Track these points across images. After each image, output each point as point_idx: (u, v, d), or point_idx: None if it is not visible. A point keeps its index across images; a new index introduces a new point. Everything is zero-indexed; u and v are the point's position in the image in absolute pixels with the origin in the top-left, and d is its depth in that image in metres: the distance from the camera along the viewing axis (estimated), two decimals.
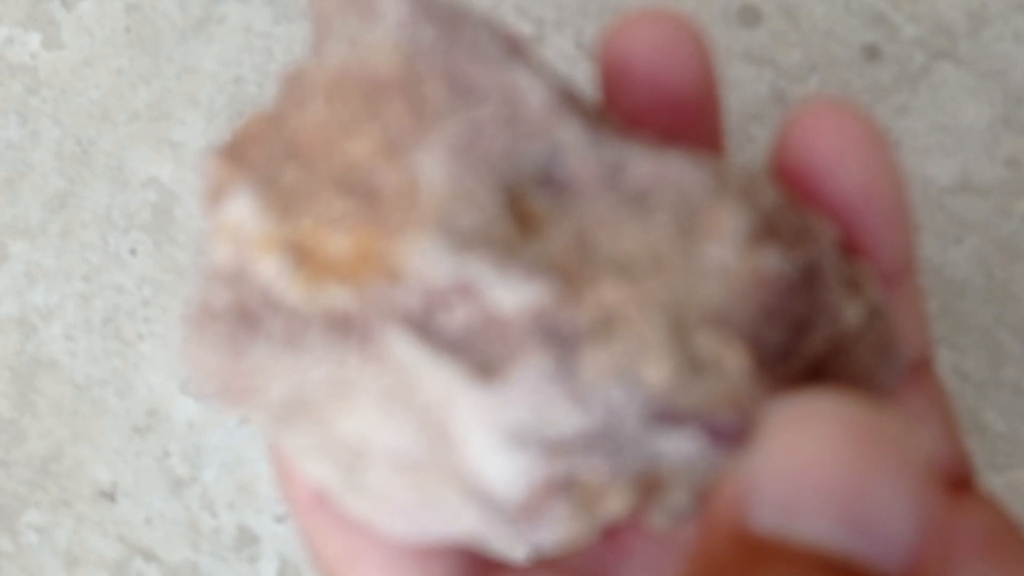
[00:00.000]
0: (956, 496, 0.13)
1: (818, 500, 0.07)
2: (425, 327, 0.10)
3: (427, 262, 0.10)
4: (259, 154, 0.11)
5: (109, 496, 0.32)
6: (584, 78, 0.29)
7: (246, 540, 0.31)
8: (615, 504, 0.10)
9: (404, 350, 0.10)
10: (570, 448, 0.10)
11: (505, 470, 0.09)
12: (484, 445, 0.09)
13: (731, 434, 0.10)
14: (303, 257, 0.10)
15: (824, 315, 0.11)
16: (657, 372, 0.09)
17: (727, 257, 0.10)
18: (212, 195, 0.12)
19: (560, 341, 0.10)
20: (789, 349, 0.10)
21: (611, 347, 0.10)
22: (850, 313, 0.11)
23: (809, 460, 0.07)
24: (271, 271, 0.10)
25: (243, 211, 0.10)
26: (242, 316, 0.11)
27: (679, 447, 0.10)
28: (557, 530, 0.10)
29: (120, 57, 0.33)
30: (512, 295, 0.10)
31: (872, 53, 0.26)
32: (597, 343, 0.10)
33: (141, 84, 0.33)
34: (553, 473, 0.10)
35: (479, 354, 0.10)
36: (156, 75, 0.32)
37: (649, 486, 0.10)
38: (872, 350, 0.11)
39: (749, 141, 0.27)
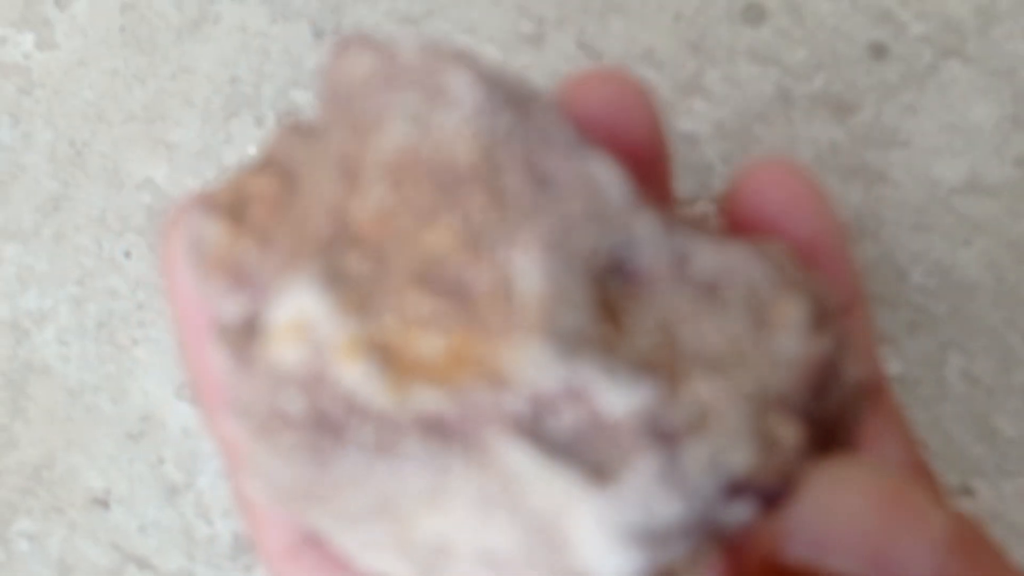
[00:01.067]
0: None
1: (848, 542, 0.08)
2: (535, 432, 0.10)
3: (537, 368, 0.10)
4: (286, 231, 0.11)
5: (102, 503, 0.32)
6: None
7: (241, 548, 0.31)
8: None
9: (515, 456, 0.10)
10: (674, 537, 0.10)
11: (621, 568, 0.10)
12: (600, 546, 0.10)
13: (775, 498, 0.10)
14: (391, 359, 0.10)
15: (835, 380, 0.11)
16: (743, 458, 0.10)
17: (794, 346, 0.11)
18: (211, 263, 0.11)
19: (665, 439, 0.10)
20: (816, 415, 0.11)
21: (708, 440, 0.10)
22: (851, 373, 0.11)
23: (845, 512, 0.09)
24: (357, 375, 0.10)
25: (313, 307, 0.10)
26: (323, 424, 0.10)
27: (738, 513, 0.10)
28: None
29: (114, 57, 0.33)
30: (622, 398, 0.10)
31: (879, 51, 0.26)
32: (696, 438, 0.10)
33: (136, 84, 0.33)
34: (659, 562, 0.10)
35: (591, 457, 0.10)
36: (151, 75, 0.32)
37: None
38: (852, 394, 0.11)
39: (754, 141, 0.27)
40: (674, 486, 0.10)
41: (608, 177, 0.11)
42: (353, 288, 0.10)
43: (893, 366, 0.26)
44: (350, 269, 0.10)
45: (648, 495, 0.10)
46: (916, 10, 0.26)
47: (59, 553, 0.32)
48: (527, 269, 0.10)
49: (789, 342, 0.11)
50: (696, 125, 0.28)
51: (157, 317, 0.32)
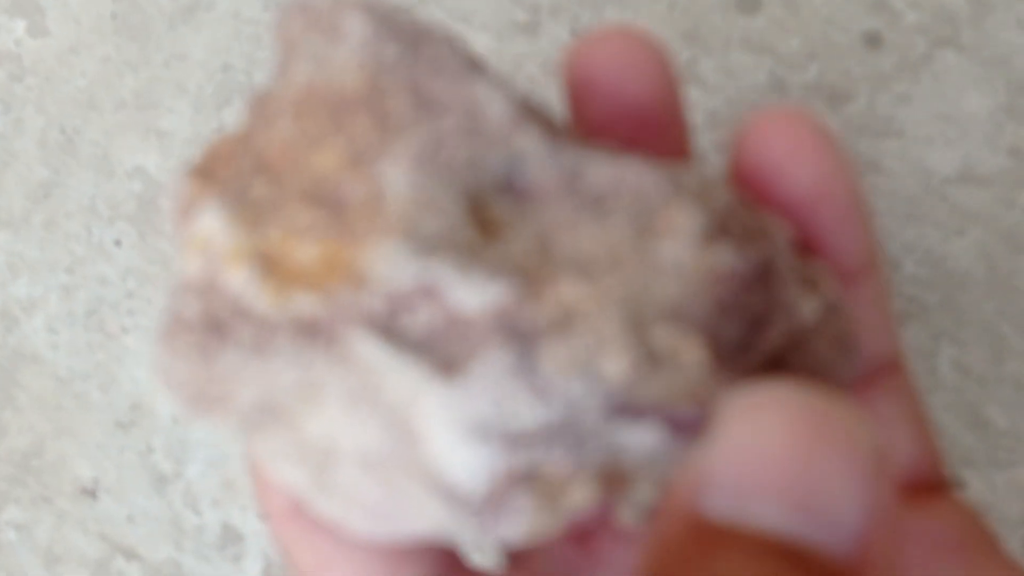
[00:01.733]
0: (928, 498, 0.13)
1: (769, 487, 0.07)
2: (389, 329, 0.10)
3: (391, 266, 0.10)
4: (228, 172, 0.12)
5: (91, 493, 0.32)
6: None
7: (230, 538, 0.31)
8: (579, 496, 0.10)
9: (369, 351, 0.10)
10: (532, 441, 0.10)
11: (468, 463, 0.10)
12: (447, 440, 0.10)
13: (691, 426, 0.10)
14: (271, 267, 0.11)
15: (780, 311, 0.11)
16: (616, 366, 0.10)
17: (682, 255, 0.11)
18: (182, 212, 0.12)
19: (520, 338, 0.10)
20: (746, 344, 0.11)
21: (570, 342, 0.10)
22: (806, 309, 0.11)
23: (761, 448, 0.08)
24: (240, 281, 0.11)
25: (212, 224, 0.11)
26: (212, 325, 0.11)
27: (640, 439, 0.10)
28: (521, 522, 0.10)
29: (106, 44, 0.33)
30: (474, 295, 0.10)
31: (873, 40, 0.26)
32: (556, 338, 0.10)
33: (128, 72, 0.33)
34: (515, 465, 0.10)
35: (442, 352, 0.10)
36: (143, 63, 0.32)
37: (614, 479, 0.10)
38: (829, 345, 0.11)
39: None
40: (530, 385, 0.10)
41: (490, 97, 0.12)
42: (250, 208, 0.11)
43: None
44: (252, 193, 0.11)
45: (499, 391, 0.10)
46: (910, 0, 0.26)
47: (47, 543, 0.32)
48: (394, 179, 0.11)
49: (675, 250, 0.11)
50: (690, 114, 0.28)
51: (147, 305, 0.32)
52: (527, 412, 0.10)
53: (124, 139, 0.33)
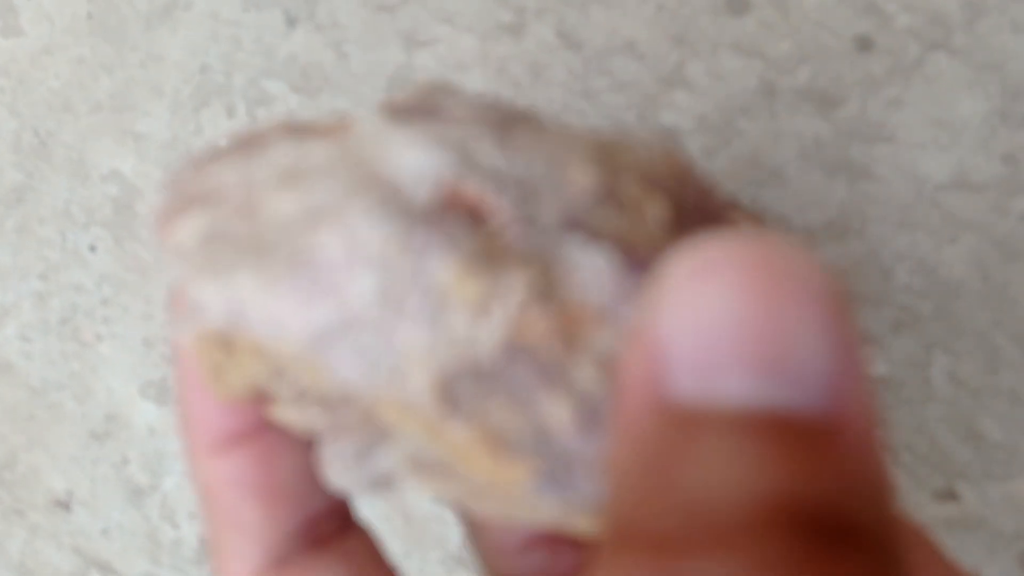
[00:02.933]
0: None
1: (733, 355, 0.07)
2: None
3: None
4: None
5: (64, 505, 0.32)
6: (564, 67, 0.28)
7: (208, 553, 0.30)
8: (514, 271, 0.10)
9: (367, 126, 0.11)
10: (484, 177, 0.10)
11: (418, 161, 0.10)
12: (405, 142, 0.10)
13: (644, 267, 0.09)
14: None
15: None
16: (580, 175, 0.10)
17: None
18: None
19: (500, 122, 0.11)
20: (701, 211, 0.11)
21: (543, 137, 0.11)
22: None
23: (718, 313, 0.07)
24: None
25: None
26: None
27: (592, 262, 0.10)
28: (449, 258, 0.10)
29: (81, 45, 0.33)
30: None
31: (864, 44, 0.26)
32: (531, 130, 0.11)
33: (103, 73, 0.32)
34: (461, 186, 0.10)
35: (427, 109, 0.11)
36: (119, 64, 0.32)
37: (568, 321, 0.10)
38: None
39: (737, 135, 0.27)
40: (498, 140, 0.10)
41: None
42: None
43: (878, 367, 0.25)
44: None
45: (469, 132, 0.11)
46: (902, 2, 0.26)
47: (19, 556, 0.31)
48: None
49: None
50: (678, 118, 0.27)
51: (123, 313, 0.31)
52: (487, 157, 0.10)
53: (99, 142, 0.32)
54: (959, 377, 0.24)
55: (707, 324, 0.07)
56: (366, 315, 0.10)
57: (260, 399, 0.12)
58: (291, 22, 0.31)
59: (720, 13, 0.27)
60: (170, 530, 0.31)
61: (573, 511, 0.10)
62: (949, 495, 0.24)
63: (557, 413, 0.09)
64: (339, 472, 0.11)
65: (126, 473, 0.31)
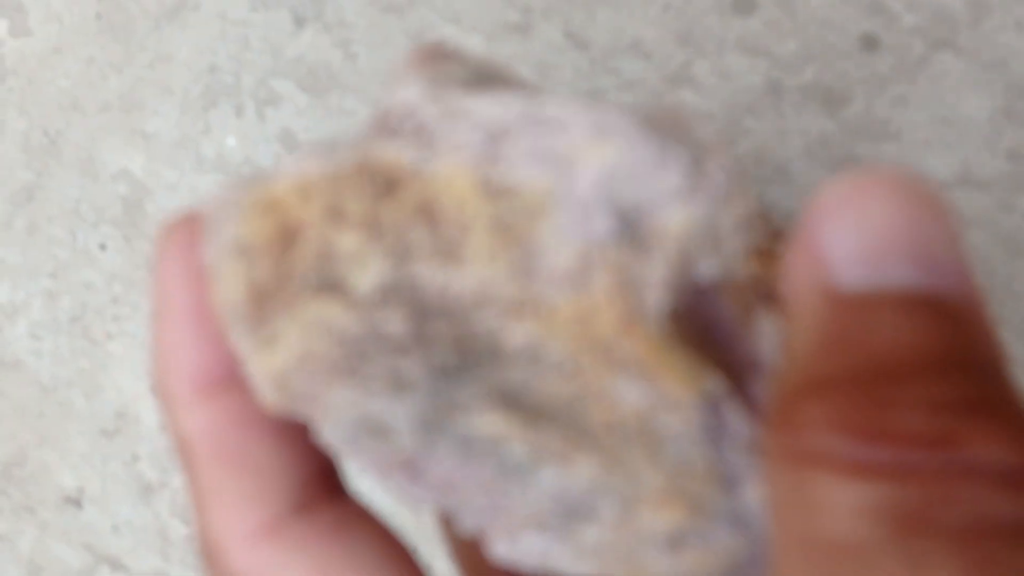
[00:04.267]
0: None
1: (897, 251, 0.09)
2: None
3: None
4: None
5: (75, 502, 0.32)
6: (571, 67, 0.29)
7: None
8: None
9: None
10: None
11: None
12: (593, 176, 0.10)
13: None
14: None
15: None
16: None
17: None
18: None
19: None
20: None
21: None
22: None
23: (879, 220, 0.09)
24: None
25: None
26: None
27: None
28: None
29: (90, 45, 0.33)
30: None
31: (870, 42, 0.26)
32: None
33: (112, 73, 0.32)
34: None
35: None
36: (128, 63, 0.32)
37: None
38: None
39: (743, 134, 0.27)
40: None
41: None
42: None
43: None
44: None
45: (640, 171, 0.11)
46: (907, 1, 0.26)
47: (29, 553, 0.32)
48: None
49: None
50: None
51: (132, 311, 0.32)
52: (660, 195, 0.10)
53: (108, 141, 0.33)
54: None
55: (869, 230, 0.09)
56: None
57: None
58: (299, 22, 0.31)
59: (726, 13, 0.27)
60: (180, 526, 0.31)
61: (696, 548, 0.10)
62: None
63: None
64: (384, 400, 0.10)
65: (136, 470, 0.32)
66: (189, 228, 0.12)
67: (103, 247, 0.33)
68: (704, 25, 0.28)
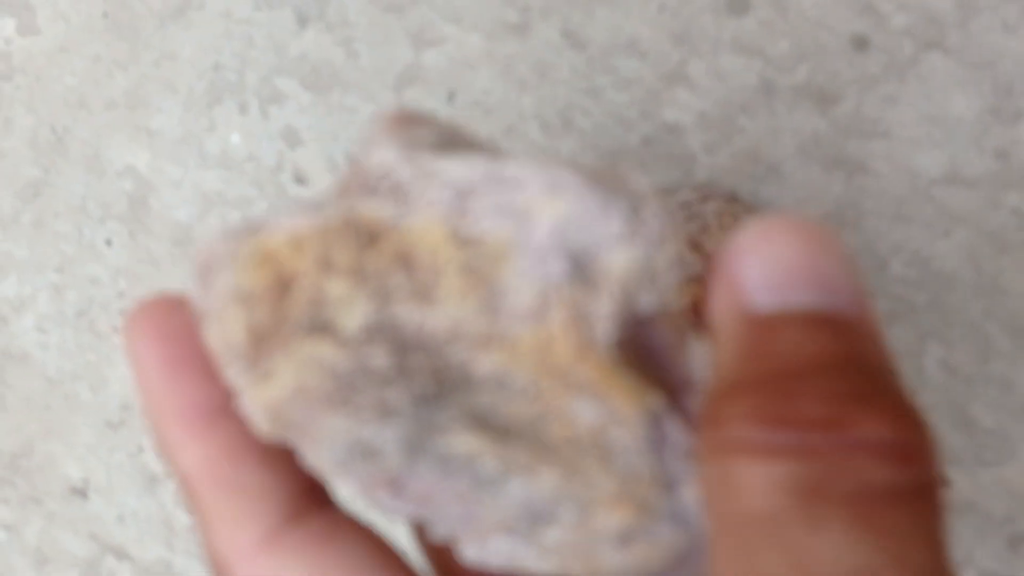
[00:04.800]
0: None
1: (799, 279, 0.11)
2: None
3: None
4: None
5: (81, 493, 0.32)
6: (569, 66, 0.29)
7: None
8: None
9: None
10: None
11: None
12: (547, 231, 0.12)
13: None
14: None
15: None
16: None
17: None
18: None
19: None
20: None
21: None
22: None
23: (784, 255, 0.11)
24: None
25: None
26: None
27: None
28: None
29: (97, 43, 0.34)
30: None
31: (861, 43, 0.27)
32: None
33: (118, 71, 0.33)
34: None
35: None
36: (133, 62, 0.33)
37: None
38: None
39: (737, 132, 0.28)
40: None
41: None
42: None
43: None
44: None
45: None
46: (898, 2, 0.27)
47: (36, 543, 0.32)
48: None
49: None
50: (680, 115, 0.28)
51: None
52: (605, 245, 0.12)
53: (114, 138, 0.33)
54: (951, 366, 0.25)
55: (776, 262, 0.11)
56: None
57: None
58: (302, 21, 0.32)
59: (721, 13, 0.28)
60: (184, 517, 0.32)
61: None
62: (941, 480, 0.25)
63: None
64: (370, 423, 0.12)
65: (141, 461, 0.32)
66: (153, 311, 0.13)
67: (109, 242, 0.33)
68: (699, 25, 0.28)
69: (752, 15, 0.28)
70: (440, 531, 0.13)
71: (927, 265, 0.26)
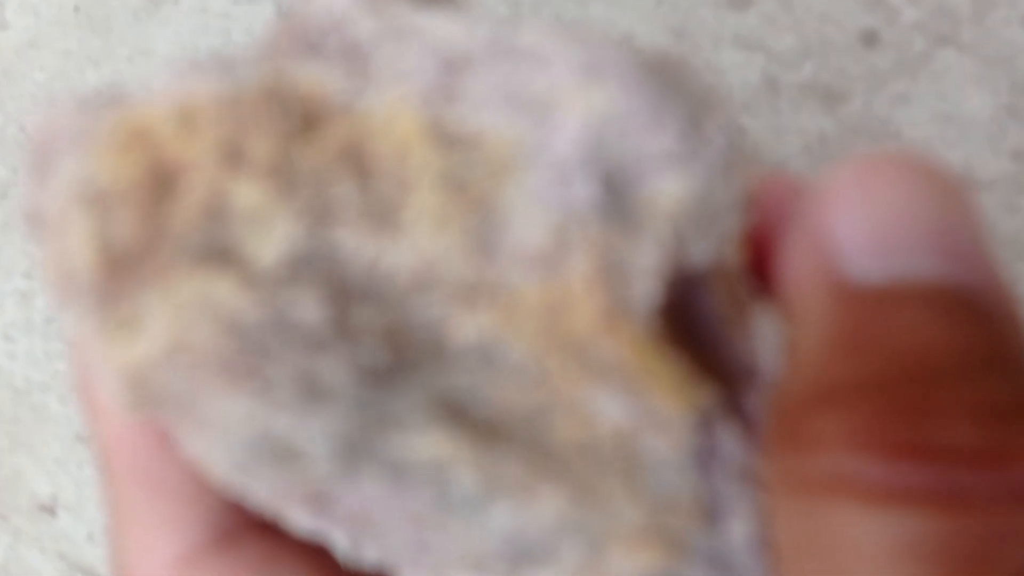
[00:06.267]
0: None
1: (918, 240, 0.08)
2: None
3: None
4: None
5: (49, 510, 0.31)
6: None
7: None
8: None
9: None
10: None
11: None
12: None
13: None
14: None
15: None
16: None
17: None
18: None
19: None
20: None
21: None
22: None
23: (897, 205, 0.08)
24: None
25: None
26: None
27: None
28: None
29: (68, 38, 0.33)
30: None
31: (870, 38, 0.26)
32: None
33: (90, 67, 0.32)
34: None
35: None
36: (106, 57, 0.32)
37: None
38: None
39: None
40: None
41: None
42: None
43: None
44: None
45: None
46: None
47: (2, 562, 0.31)
48: None
49: None
50: None
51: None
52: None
53: None
54: None
55: (884, 216, 0.08)
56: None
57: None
58: (282, 15, 0.31)
59: (721, 6, 0.27)
60: None
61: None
62: None
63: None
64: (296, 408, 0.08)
65: None
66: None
67: None
68: (698, 19, 0.27)
69: (755, 9, 0.27)
70: (372, 555, 0.09)
71: None
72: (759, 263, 0.10)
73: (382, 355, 0.08)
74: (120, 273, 0.08)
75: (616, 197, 0.08)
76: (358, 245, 0.08)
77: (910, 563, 0.07)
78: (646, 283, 0.08)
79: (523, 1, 0.29)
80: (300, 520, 0.09)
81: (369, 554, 0.09)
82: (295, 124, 0.08)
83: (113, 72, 0.32)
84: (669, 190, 0.08)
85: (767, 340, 0.09)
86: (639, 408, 0.08)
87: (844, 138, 0.26)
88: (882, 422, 0.07)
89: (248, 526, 0.10)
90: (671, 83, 0.08)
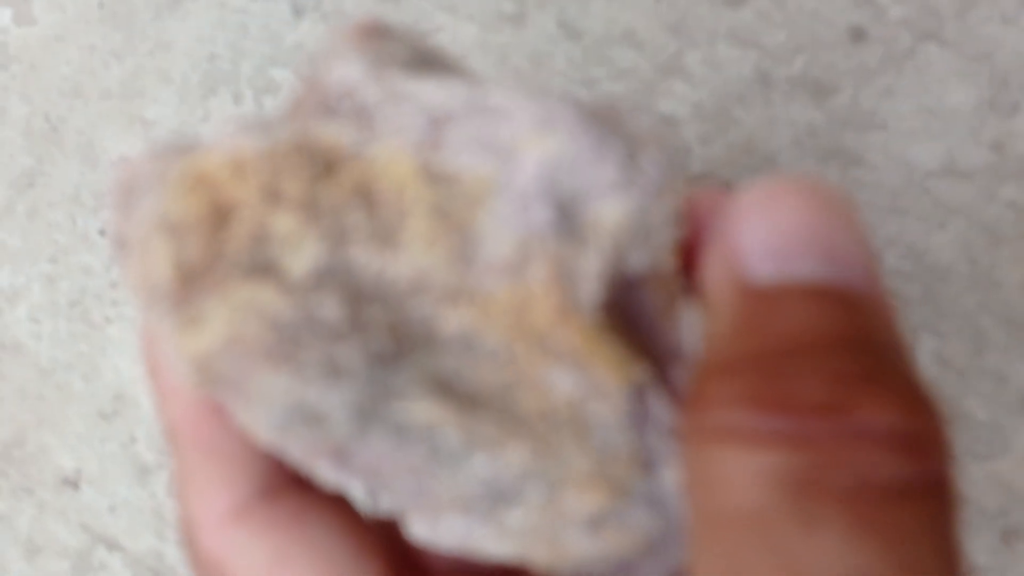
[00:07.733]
0: None
1: (803, 247, 0.10)
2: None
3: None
4: None
5: (72, 483, 0.33)
6: (565, 58, 0.29)
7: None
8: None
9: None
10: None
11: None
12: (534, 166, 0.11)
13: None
14: None
15: None
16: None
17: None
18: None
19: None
20: None
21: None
22: None
23: (789, 220, 0.10)
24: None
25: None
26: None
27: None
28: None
29: (92, 33, 0.34)
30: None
31: (858, 34, 0.27)
32: None
33: (113, 61, 0.33)
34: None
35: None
36: (129, 52, 0.33)
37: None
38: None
39: (733, 123, 0.28)
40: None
41: None
42: None
43: None
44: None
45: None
46: None
47: (28, 533, 0.32)
48: None
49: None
50: (675, 106, 0.28)
51: (131, 295, 0.33)
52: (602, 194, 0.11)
53: (109, 128, 0.34)
54: (945, 358, 0.25)
55: (778, 228, 0.10)
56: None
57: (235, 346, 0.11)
58: (298, 11, 0.32)
59: (717, 4, 0.28)
60: (176, 507, 0.32)
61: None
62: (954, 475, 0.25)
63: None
64: (322, 386, 0.10)
65: (133, 451, 0.32)
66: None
67: (102, 232, 0.33)
68: (695, 16, 0.28)
69: (749, 6, 0.28)
70: (386, 503, 0.11)
71: (921, 258, 0.26)
72: (688, 266, 0.12)
73: (387, 343, 0.11)
74: (189, 284, 0.11)
75: (567, 219, 0.11)
76: (367, 260, 0.11)
77: (768, 489, 0.09)
78: (591, 285, 0.11)
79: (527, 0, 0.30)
80: (326, 473, 0.11)
81: (383, 502, 0.11)
82: (319, 169, 0.11)
83: (135, 65, 0.33)
84: (610, 212, 0.11)
85: (691, 327, 0.12)
86: (587, 382, 0.11)
87: (833, 129, 0.27)
88: (758, 385, 0.09)
89: (288, 483, 0.13)
90: (610, 127, 0.11)
